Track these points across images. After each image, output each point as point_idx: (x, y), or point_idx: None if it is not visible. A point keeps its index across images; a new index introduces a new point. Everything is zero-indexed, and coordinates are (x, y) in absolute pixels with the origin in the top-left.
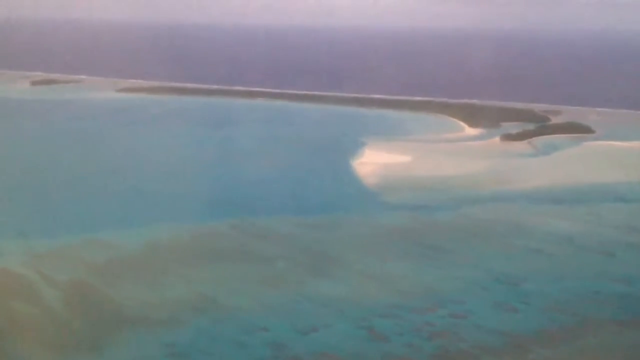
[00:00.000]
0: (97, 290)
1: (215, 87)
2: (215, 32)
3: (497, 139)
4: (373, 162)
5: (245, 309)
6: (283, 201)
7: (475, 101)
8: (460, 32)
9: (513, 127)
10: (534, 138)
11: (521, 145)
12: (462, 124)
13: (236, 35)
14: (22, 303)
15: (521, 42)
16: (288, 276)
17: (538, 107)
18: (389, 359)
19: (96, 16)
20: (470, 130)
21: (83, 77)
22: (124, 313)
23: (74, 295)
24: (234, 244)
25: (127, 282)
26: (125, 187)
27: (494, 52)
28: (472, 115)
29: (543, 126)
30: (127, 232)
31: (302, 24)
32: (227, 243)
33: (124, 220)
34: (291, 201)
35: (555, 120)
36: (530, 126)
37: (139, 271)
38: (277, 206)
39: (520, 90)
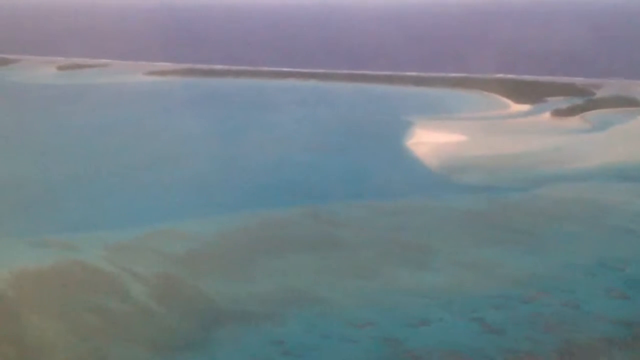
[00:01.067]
0: (185, 283)
1: (242, 68)
2: (231, 12)
3: (547, 114)
4: (427, 142)
5: (344, 302)
6: (346, 186)
7: (510, 76)
8: (478, 6)
9: (559, 102)
10: (585, 113)
11: (574, 121)
12: (505, 100)
13: (253, 15)
14: (110, 299)
15: (544, 14)
16: (378, 266)
17: (576, 80)
18: (512, 354)
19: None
20: (516, 107)
21: (107, 60)
22: (220, 308)
23: (163, 290)
24: (311, 232)
25: (213, 274)
26: (184, 175)
27: (517, 25)
28: (513, 91)
29: (590, 100)
30: (196, 222)
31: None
32: (304, 231)
33: (189, 209)
34: (355, 186)
35: (600, 93)
36: (577, 101)
37: (222, 263)
38: (342, 191)
39: (552, 64)
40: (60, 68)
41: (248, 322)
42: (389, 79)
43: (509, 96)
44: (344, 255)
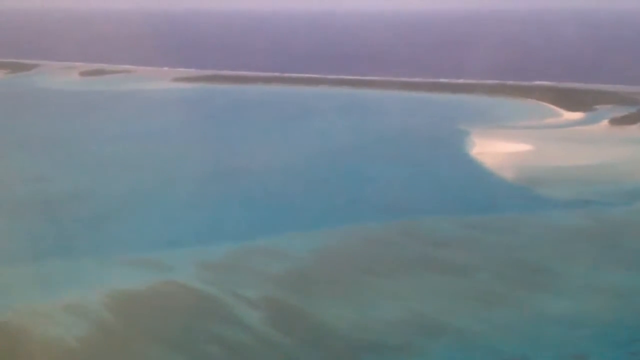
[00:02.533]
0: (298, 308)
1: (271, 74)
2: (244, 18)
3: (604, 123)
4: (493, 152)
5: (480, 332)
6: (430, 199)
7: (548, 83)
8: (501, 13)
9: (610, 111)
10: None
11: (637, 130)
12: (554, 107)
13: (269, 21)
14: (225, 327)
15: (551, 21)
16: (501, 290)
17: (617, 88)
18: None
19: (125, 6)
20: (568, 115)
21: (127, 66)
22: (347, 337)
23: (278, 317)
24: (413, 251)
25: (323, 298)
26: (258, 188)
27: (544, 32)
28: (556, 98)
29: None
30: (285, 239)
31: (331, 7)
32: (405, 250)
33: (274, 225)
34: (438, 199)
35: None
36: (630, 109)
37: (329, 284)
38: (428, 205)
39: (583, 71)
40: (82, 74)
41: (382, 354)
42: (426, 86)
43: (555, 104)
44: (459, 278)
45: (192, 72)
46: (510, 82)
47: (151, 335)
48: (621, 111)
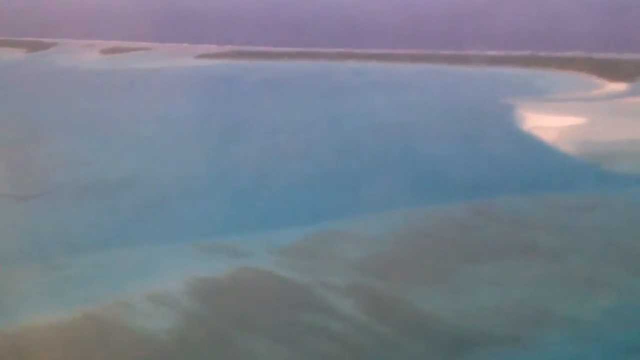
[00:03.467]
0: (393, 297)
1: (295, 50)
2: None
3: None
4: (547, 127)
5: (591, 321)
6: (497, 177)
7: (582, 53)
8: None
9: None
10: None
11: None
12: (595, 78)
13: None
14: (322, 317)
15: None
16: (600, 275)
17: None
18: None
19: None
20: (613, 86)
21: (146, 44)
22: (451, 327)
23: (374, 306)
24: (496, 233)
25: (415, 284)
26: (316, 170)
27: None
28: (597, 69)
29: None
30: (357, 222)
31: None
32: (487, 232)
33: (342, 207)
34: (506, 177)
35: None
36: None
37: (417, 270)
38: (498, 184)
39: (620, 40)
40: (103, 52)
41: (492, 346)
42: (459, 59)
43: (595, 74)
44: (553, 262)
45: (213, 48)
46: (543, 53)
47: (245, 326)
48: None
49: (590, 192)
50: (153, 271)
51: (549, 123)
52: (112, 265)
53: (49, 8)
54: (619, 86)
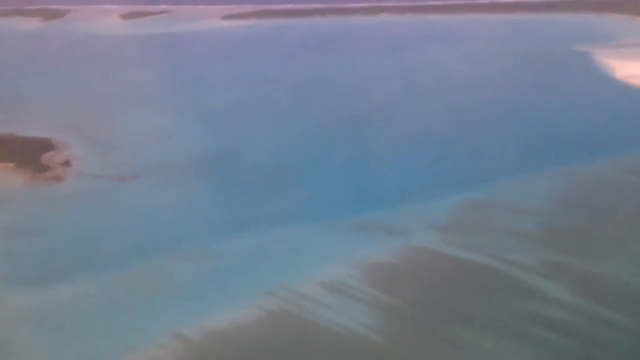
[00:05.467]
0: (591, 272)
1: (322, 6)
2: None
3: None
4: (636, 75)
5: None
6: (621, 132)
7: None
8: None
9: None
10: None
11: None
12: None
13: None
14: (534, 303)
15: None
16: None
17: None
18: None
19: None
20: None
21: (164, 6)
22: None
23: (578, 284)
24: None
25: (607, 257)
26: (424, 134)
27: None
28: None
29: None
30: (504, 189)
31: None
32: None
33: (477, 173)
34: (629, 131)
35: None
36: None
37: (600, 240)
38: (625, 138)
39: None
40: (124, 17)
41: None
42: (502, 7)
43: None
44: None
45: (234, 8)
46: None
47: (456, 319)
48: None
49: None
50: (312, 254)
51: (635, 71)
52: (264, 250)
53: None
54: None
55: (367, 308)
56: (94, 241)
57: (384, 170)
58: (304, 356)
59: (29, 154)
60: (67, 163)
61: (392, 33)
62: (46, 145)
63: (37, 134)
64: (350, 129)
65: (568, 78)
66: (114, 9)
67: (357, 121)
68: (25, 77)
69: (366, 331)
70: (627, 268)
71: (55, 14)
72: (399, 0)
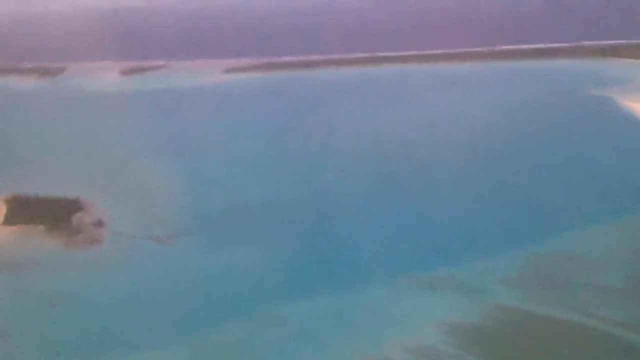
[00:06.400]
0: None
1: (323, 57)
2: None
3: None
4: None
5: None
6: None
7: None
8: None
9: None
10: None
11: None
12: None
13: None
14: None
15: None
16: None
17: None
18: None
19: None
20: None
21: (160, 62)
22: None
23: None
24: None
25: None
26: (463, 183)
27: None
28: None
29: None
30: (566, 241)
31: None
32: None
33: (535, 224)
34: None
35: None
36: None
37: None
38: None
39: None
40: (123, 73)
41: None
42: (510, 54)
43: None
44: None
45: (234, 62)
46: (587, 43)
47: None
48: None
49: None
50: (387, 316)
51: None
52: (335, 313)
53: (36, 32)
54: None
55: None
56: (144, 309)
57: (439, 224)
58: None
59: (58, 215)
60: (99, 224)
61: (402, 83)
62: (74, 205)
63: (60, 194)
64: (390, 181)
65: (598, 124)
66: (110, 65)
67: (396, 173)
68: (33, 136)
69: None
70: None
71: (51, 72)
72: (398, 49)
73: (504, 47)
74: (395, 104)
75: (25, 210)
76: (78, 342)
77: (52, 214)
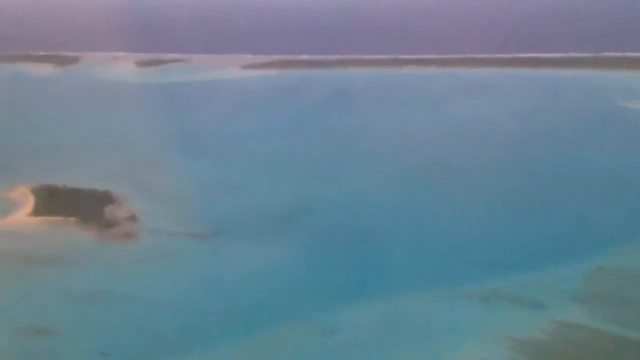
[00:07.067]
0: None
1: (342, 57)
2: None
3: None
4: None
5: None
6: None
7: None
8: None
9: None
10: None
11: None
12: None
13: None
14: None
15: None
16: None
17: None
18: None
19: None
20: None
21: (176, 55)
22: None
23: None
24: None
25: None
26: (517, 195)
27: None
28: None
29: None
30: (625, 255)
31: None
32: None
33: (592, 238)
34: None
35: None
36: None
37: None
38: None
39: None
40: (138, 64)
41: None
42: (526, 62)
43: None
44: None
45: (251, 58)
46: (611, 54)
47: None
48: None
49: None
50: (445, 328)
51: None
52: (387, 322)
53: (53, 20)
54: None
55: None
56: (191, 309)
57: (489, 235)
58: None
59: (89, 207)
60: (133, 218)
61: (427, 86)
62: (105, 198)
63: (88, 186)
64: (430, 188)
65: (633, 135)
66: (124, 56)
67: (434, 180)
68: (53, 125)
69: None
70: None
71: (67, 60)
72: (418, 52)
73: (525, 55)
74: (418, 107)
75: (54, 201)
76: (125, 342)
77: (83, 206)
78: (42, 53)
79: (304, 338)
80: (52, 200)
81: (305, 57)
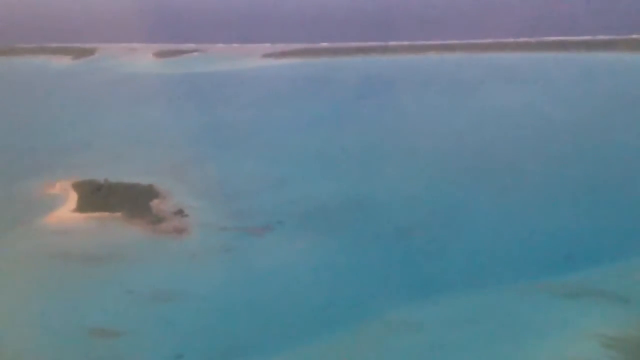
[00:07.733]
0: None
1: (363, 44)
2: None
3: None
4: None
5: None
6: None
7: None
8: None
9: None
10: None
11: None
12: None
13: None
14: None
15: None
16: None
17: None
18: None
19: None
20: None
21: (192, 45)
22: None
23: None
24: None
25: None
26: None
27: None
28: None
29: None
30: None
31: None
32: None
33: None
34: None
35: None
36: None
37: None
38: None
39: None
40: (157, 55)
41: None
42: (558, 45)
43: None
44: None
45: (270, 47)
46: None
47: None
48: None
49: None
50: (537, 326)
51: None
52: (472, 320)
53: (68, 11)
54: None
55: None
56: (261, 307)
57: (561, 224)
58: None
59: (134, 202)
60: (180, 212)
61: (457, 73)
62: (149, 193)
63: (130, 180)
64: (489, 178)
65: None
66: (141, 47)
67: (493, 170)
68: (83, 119)
69: None
70: None
71: (83, 52)
72: (440, 37)
73: (555, 38)
74: (453, 94)
75: (97, 196)
76: (198, 343)
77: (128, 201)
78: (57, 45)
79: (390, 337)
80: (95, 195)
81: (325, 44)
